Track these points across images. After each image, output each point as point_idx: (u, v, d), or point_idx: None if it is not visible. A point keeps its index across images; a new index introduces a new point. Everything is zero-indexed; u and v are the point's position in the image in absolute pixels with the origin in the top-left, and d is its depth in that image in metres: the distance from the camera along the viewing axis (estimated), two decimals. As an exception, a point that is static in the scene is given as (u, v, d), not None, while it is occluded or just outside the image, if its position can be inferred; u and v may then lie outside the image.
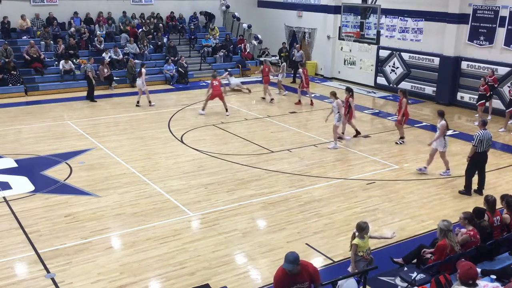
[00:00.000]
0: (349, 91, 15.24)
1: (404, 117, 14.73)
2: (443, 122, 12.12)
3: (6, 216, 9.92)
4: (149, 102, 18.71)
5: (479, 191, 11.32)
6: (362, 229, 7.35)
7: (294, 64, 23.88)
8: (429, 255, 7.59)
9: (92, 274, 7.97)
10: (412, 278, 6.99)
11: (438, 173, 12.47)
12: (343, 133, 15.29)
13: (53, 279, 7.82)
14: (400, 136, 15.06)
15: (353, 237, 7.46)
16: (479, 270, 6.62)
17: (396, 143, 14.88)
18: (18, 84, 20.28)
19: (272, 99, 19.73)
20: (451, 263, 6.97)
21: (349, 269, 7.48)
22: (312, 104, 19.35)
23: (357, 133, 15.51)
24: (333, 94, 14.36)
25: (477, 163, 11.20)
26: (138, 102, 18.71)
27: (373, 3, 18.92)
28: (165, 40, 24.63)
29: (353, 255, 7.37)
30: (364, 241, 7.40)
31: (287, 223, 9.78)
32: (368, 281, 6.63)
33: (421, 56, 20.53)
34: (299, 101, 19.56)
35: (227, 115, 17.41)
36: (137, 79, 18.87)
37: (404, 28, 21.20)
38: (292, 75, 23.99)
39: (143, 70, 18.56)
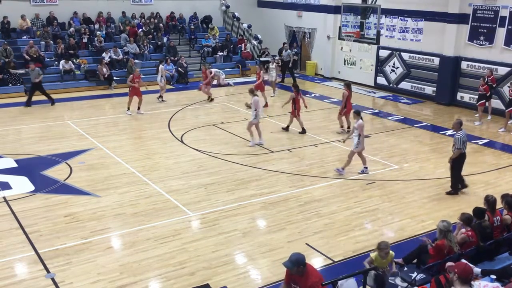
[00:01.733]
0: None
1: (345, 109, 15.51)
2: (360, 121, 11.99)
3: (6, 216, 9.92)
4: (161, 97, 19.54)
5: (461, 188, 11.42)
6: (379, 248, 7.15)
7: (284, 64, 23.84)
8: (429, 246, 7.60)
9: (92, 274, 7.97)
10: (412, 278, 6.99)
11: (435, 175, 12.46)
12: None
13: (53, 279, 7.83)
14: (341, 125, 15.86)
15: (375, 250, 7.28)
16: (479, 270, 6.64)
17: (338, 132, 15.64)
18: (18, 84, 20.28)
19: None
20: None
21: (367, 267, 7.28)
22: (266, 106, 18.68)
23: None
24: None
25: (461, 164, 11.14)
26: (161, 97, 19.49)
27: (373, 3, 18.93)
28: (165, 40, 24.63)
29: (367, 265, 7.23)
30: (383, 261, 7.18)
31: (287, 223, 9.78)
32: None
33: (421, 56, 20.53)
34: (266, 103, 18.87)
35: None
36: (157, 76, 19.67)
37: (404, 28, 21.19)
38: (280, 74, 23.90)
39: (161, 66, 19.47)
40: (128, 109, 17.58)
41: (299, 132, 15.66)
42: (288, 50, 23.97)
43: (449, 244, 7.21)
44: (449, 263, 6.62)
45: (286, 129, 15.91)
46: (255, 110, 13.99)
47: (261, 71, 19.03)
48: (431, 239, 8.01)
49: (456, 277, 5.54)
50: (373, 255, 7.26)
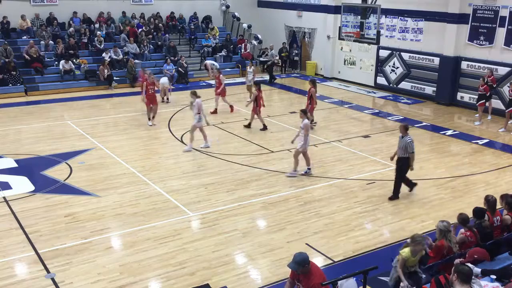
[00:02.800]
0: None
1: (311, 106, 15.72)
2: (306, 121, 11.94)
3: (6, 216, 9.92)
4: (167, 99, 19.47)
5: (411, 189, 11.26)
6: (414, 242, 6.78)
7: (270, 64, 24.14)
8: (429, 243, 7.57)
9: (92, 274, 7.97)
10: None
11: (434, 175, 12.46)
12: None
13: (53, 279, 7.83)
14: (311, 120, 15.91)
15: (405, 246, 6.94)
16: (479, 270, 6.63)
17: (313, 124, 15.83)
18: (18, 84, 20.28)
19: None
20: (451, 263, 6.96)
21: (402, 284, 6.80)
22: (232, 110, 18.03)
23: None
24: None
25: (408, 167, 10.79)
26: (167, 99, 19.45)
27: (373, 3, 18.90)
28: (166, 37, 24.62)
29: (401, 270, 6.79)
30: (414, 258, 6.85)
31: (287, 223, 9.78)
32: (368, 281, 6.60)
33: (421, 56, 20.53)
34: (215, 110, 17.89)
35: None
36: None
37: (404, 28, 21.19)
38: (269, 76, 23.99)
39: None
40: (149, 119, 16.30)
41: (260, 129, 15.82)
42: (273, 51, 24.20)
43: (448, 244, 7.20)
44: (457, 260, 6.61)
45: (248, 126, 16.07)
46: (198, 113, 13.64)
47: (220, 75, 17.94)
48: (431, 239, 8.01)
49: (456, 277, 5.53)
50: (405, 253, 6.79)
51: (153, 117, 16.43)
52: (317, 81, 17.51)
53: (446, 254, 7.16)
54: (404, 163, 10.72)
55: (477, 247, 7.27)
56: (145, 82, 16.16)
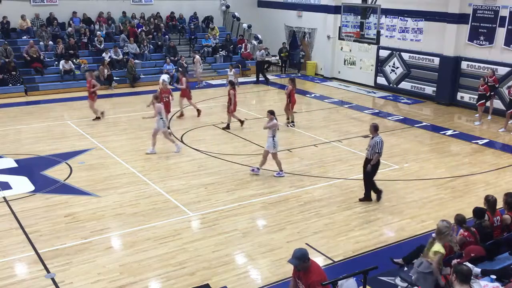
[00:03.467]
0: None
1: (291, 104, 16.33)
2: (274, 121, 11.93)
3: (6, 216, 9.92)
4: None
5: (378, 198, 10.87)
6: (442, 233, 6.75)
7: (258, 63, 23.98)
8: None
9: (92, 274, 7.97)
10: (412, 278, 6.99)
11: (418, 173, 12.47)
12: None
13: (53, 279, 7.82)
14: (291, 120, 16.50)
15: (432, 243, 6.84)
16: (479, 270, 6.63)
17: (288, 125, 16.20)
18: (18, 84, 20.28)
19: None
20: (450, 263, 6.97)
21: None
22: (199, 115, 17.25)
23: (241, 122, 16.23)
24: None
25: (376, 170, 10.59)
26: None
27: (373, 3, 18.90)
28: (166, 39, 24.62)
29: (438, 267, 6.55)
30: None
31: (287, 223, 9.78)
32: (368, 281, 6.60)
33: (421, 56, 20.53)
34: (181, 113, 17.29)
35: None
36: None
37: (404, 28, 21.19)
38: (256, 76, 23.88)
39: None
40: (168, 128, 15.10)
41: (223, 128, 15.92)
42: (262, 51, 24.09)
43: (449, 244, 7.20)
44: (454, 261, 6.62)
45: (227, 127, 15.99)
46: (161, 118, 13.38)
47: (183, 78, 17.26)
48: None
49: (455, 277, 5.52)
50: (441, 250, 6.59)
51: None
52: (296, 78, 18.33)
53: (447, 254, 7.15)
54: (374, 165, 10.44)
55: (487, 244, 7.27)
56: (159, 90, 15.40)
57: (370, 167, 10.39)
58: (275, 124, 11.91)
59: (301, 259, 5.81)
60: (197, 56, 22.55)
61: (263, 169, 12.53)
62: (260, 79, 23.78)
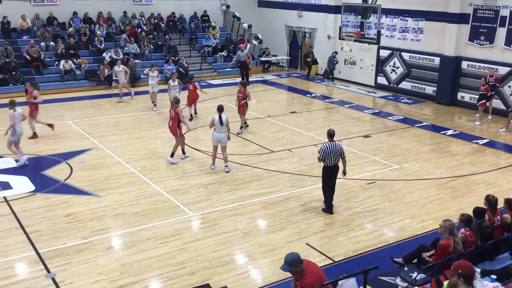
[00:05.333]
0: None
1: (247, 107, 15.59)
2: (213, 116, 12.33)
3: (7, 216, 9.92)
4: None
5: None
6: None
7: (242, 64, 23.25)
8: (428, 259, 7.56)
9: (92, 274, 7.98)
10: (413, 278, 6.99)
11: (434, 175, 12.46)
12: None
13: (53, 279, 7.83)
14: (245, 123, 15.85)
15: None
16: (478, 270, 6.63)
17: (238, 133, 15.40)
18: (19, 84, 20.28)
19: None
20: (451, 263, 6.96)
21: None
22: (52, 128, 15.27)
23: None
24: (11, 103, 12.27)
25: (328, 178, 10.14)
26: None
27: (373, 3, 18.91)
28: (166, 39, 24.62)
29: None
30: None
31: (287, 223, 9.78)
32: (369, 281, 6.60)
33: (421, 56, 20.53)
34: (34, 133, 15.00)
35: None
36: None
37: (405, 28, 21.19)
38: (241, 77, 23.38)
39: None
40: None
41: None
42: (246, 50, 23.40)
43: (454, 243, 7.20)
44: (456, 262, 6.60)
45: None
46: (13, 126, 12.57)
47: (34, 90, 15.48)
48: (433, 239, 8.01)
49: (461, 281, 5.46)
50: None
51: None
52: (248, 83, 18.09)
53: (451, 253, 7.15)
54: (327, 172, 10.11)
55: (471, 250, 7.28)
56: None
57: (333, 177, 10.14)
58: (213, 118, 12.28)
59: (291, 264, 5.80)
60: (122, 67, 19.80)
61: (263, 169, 12.54)
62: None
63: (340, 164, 10.14)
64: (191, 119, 16.80)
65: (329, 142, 9.89)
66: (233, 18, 27.55)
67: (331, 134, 10.01)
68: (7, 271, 8.05)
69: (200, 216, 10.08)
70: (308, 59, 24.76)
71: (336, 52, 23.89)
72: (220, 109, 12.35)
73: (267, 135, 15.47)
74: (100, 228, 9.51)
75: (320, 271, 6.06)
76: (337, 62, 23.91)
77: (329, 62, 23.99)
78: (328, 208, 10.28)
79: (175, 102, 13.06)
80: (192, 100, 17.07)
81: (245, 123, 15.94)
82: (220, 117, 12.16)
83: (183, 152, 13.35)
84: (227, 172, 12.33)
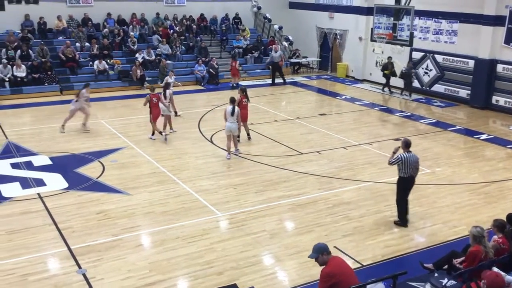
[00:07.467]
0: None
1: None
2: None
3: (40, 212, 10.16)
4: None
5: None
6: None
7: (274, 65, 23.49)
8: (459, 265, 7.41)
9: (122, 271, 8.10)
10: (443, 284, 6.87)
11: (467, 180, 12.20)
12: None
13: (84, 275, 7.98)
14: (246, 133, 14.97)
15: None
16: (511, 278, 6.47)
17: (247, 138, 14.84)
18: (54, 84, 20.78)
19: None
20: (483, 270, 6.81)
21: None
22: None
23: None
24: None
25: (405, 189, 9.69)
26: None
27: (406, 5, 18.69)
28: (197, 40, 24.83)
29: None
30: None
31: (315, 225, 9.73)
32: (397, 286, 6.52)
33: (455, 59, 20.14)
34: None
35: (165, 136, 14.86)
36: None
37: (438, 30, 20.82)
38: (272, 78, 23.58)
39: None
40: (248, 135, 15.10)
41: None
42: (279, 51, 23.60)
43: (484, 250, 7.05)
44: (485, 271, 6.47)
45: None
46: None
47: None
48: (464, 245, 7.84)
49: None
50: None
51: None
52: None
53: (483, 259, 7.00)
54: (402, 183, 9.67)
55: (503, 258, 7.09)
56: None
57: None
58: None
59: (318, 252, 5.88)
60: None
61: (292, 170, 12.52)
62: (276, 80, 23.55)
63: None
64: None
65: (406, 153, 9.40)
66: (264, 20, 27.59)
67: (407, 144, 9.49)
68: (40, 266, 8.25)
69: (228, 216, 10.12)
70: (386, 71, 21.66)
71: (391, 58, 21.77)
72: (233, 100, 13.37)
73: (296, 137, 15.42)
74: (130, 226, 9.65)
75: (343, 269, 6.02)
76: (414, 73, 21.25)
77: (407, 75, 21.06)
78: (403, 221, 9.77)
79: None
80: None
81: (248, 134, 14.98)
82: (233, 108, 13.10)
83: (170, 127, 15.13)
84: (236, 154, 13.33)
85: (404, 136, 15.44)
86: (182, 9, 26.17)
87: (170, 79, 18.06)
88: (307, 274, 7.98)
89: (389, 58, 21.52)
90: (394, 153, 9.44)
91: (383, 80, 22.12)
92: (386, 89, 21.97)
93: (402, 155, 9.36)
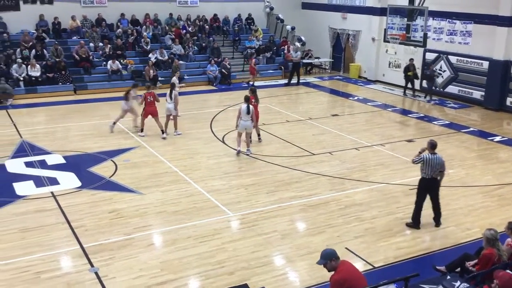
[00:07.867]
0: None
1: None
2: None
3: (54, 211, 10.26)
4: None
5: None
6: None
7: (294, 65, 23.62)
8: (472, 268, 7.35)
9: (134, 270, 8.15)
10: (455, 287, 6.81)
11: (478, 183, 12.09)
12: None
13: (96, 273, 8.04)
14: (257, 133, 14.81)
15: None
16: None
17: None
18: (68, 83, 20.97)
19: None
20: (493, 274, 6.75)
21: None
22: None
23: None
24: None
25: (425, 190, 9.66)
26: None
27: (420, 5, 18.57)
28: (210, 40, 24.90)
29: None
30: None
31: (327, 226, 9.71)
32: (409, 289, 6.50)
33: (469, 60, 19.96)
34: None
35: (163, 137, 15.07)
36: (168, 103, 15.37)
37: (452, 30, 20.65)
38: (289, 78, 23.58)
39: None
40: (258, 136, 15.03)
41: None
42: (299, 52, 23.86)
43: (498, 253, 6.99)
44: (498, 271, 6.41)
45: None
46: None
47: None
48: (477, 248, 7.77)
49: None
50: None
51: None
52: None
53: (496, 263, 6.94)
54: (424, 184, 9.70)
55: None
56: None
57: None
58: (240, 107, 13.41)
59: (326, 258, 5.85)
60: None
61: (303, 171, 12.50)
62: (292, 81, 23.54)
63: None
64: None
65: (430, 154, 9.35)
66: (276, 20, 27.58)
67: (433, 146, 9.40)
68: (53, 264, 8.33)
69: (240, 216, 10.14)
70: (409, 73, 21.10)
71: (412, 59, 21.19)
72: (247, 99, 13.63)
73: (308, 138, 15.40)
74: (142, 225, 9.70)
75: (353, 274, 5.98)
76: (437, 76, 20.98)
77: (429, 78, 20.94)
78: (415, 223, 9.68)
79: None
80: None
81: (259, 135, 14.87)
82: (248, 107, 13.32)
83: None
84: (247, 155, 13.39)
85: (415, 138, 15.40)
86: (195, 9, 26.26)
87: (176, 79, 18.15)
88: (319, 275, 7.95)
89: (411, 60, 21.03)
90: (420, 153, 9.44)
91: (395, 80, 21.98)
92: (408, 92, 21.53)
93: (425, 156, 9.37)
